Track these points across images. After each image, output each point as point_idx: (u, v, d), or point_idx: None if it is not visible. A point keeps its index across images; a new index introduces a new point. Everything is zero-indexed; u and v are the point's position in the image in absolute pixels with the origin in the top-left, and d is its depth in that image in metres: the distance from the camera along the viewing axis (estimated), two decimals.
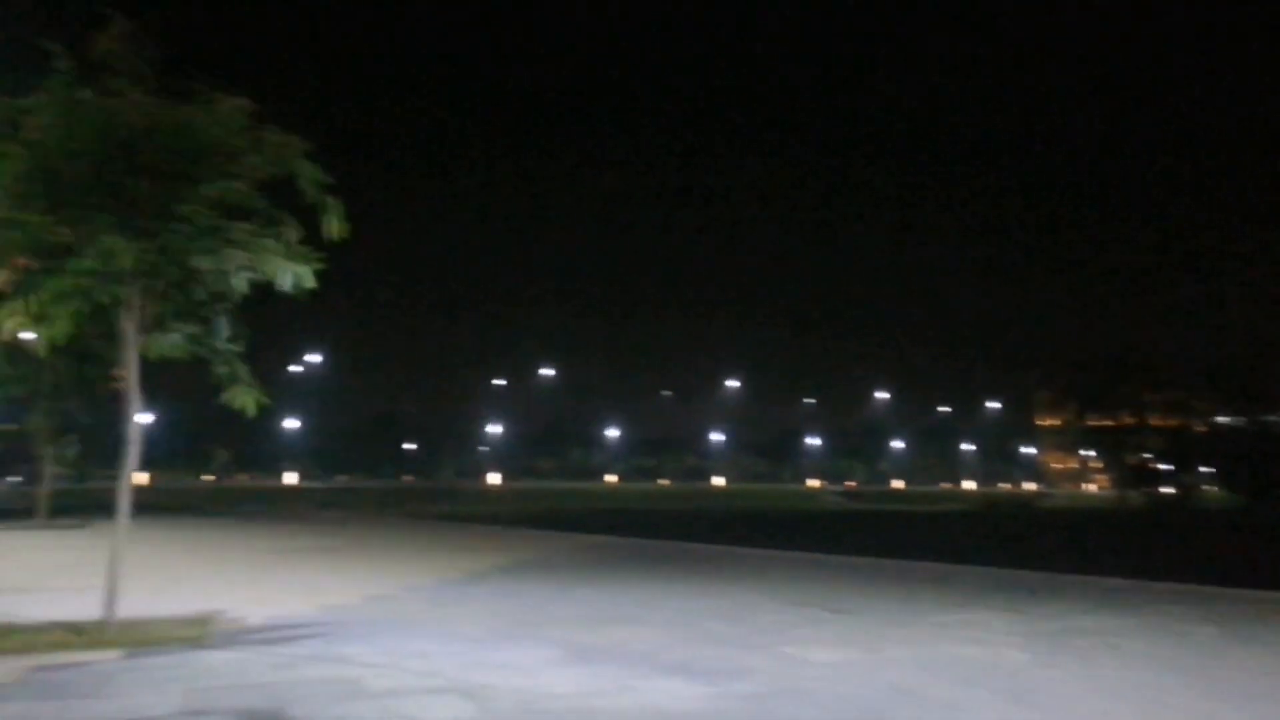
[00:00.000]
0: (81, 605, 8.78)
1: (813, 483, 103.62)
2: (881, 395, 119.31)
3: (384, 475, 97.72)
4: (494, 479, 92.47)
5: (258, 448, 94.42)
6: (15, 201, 6.82)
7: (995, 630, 8.32)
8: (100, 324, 7.63)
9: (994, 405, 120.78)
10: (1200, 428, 59.68)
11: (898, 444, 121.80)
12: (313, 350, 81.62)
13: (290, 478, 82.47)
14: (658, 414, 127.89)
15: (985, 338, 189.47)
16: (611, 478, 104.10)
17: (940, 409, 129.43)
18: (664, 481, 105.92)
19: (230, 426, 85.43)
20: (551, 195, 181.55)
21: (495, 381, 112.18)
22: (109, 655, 6.63)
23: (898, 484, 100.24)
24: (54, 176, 6.81)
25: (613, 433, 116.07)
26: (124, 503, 7.67)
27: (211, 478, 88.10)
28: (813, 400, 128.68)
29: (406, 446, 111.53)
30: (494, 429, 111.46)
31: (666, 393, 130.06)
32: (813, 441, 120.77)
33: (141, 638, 7.23)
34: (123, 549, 7.56)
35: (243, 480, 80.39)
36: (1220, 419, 59.38)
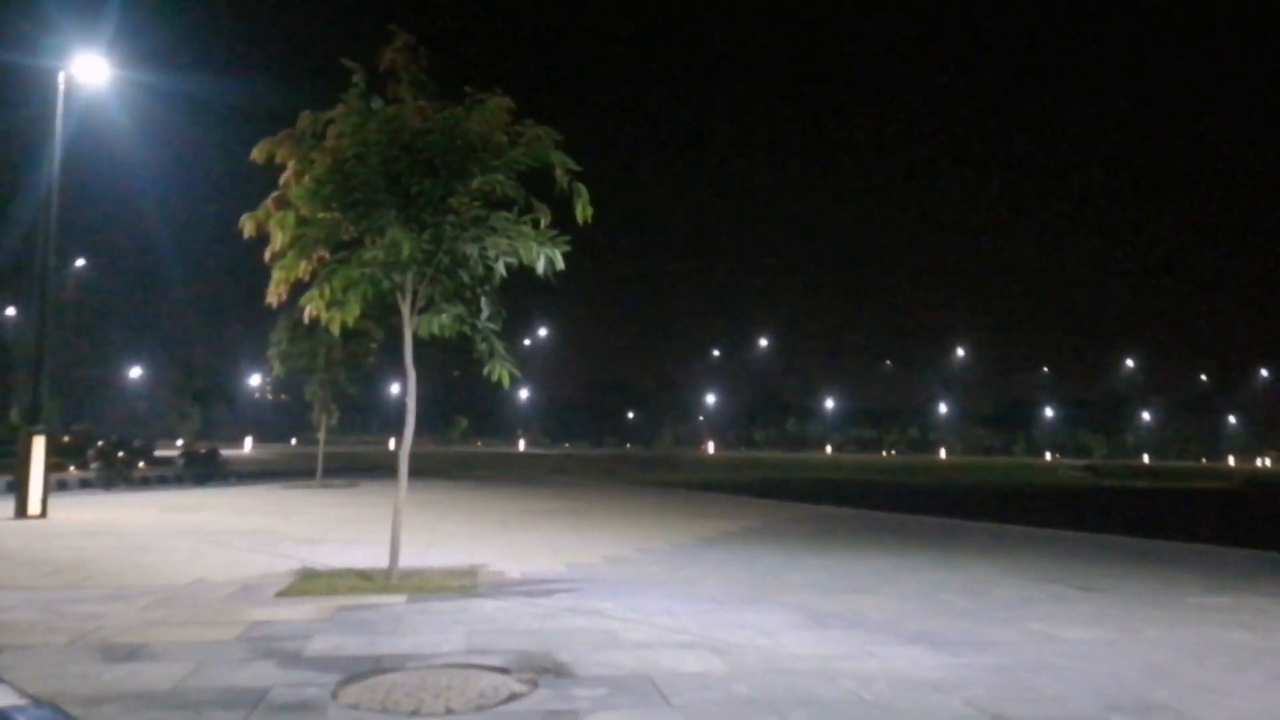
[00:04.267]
0: (364, 555, 10.00)
1: (1047, 456, 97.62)
2: (1128, 363, 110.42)
3: (606, 443, 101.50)
4: (710, 448, 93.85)
5: (492, 416, 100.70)
6: (315, 202, 7.82)
7: (1266, 615, 7.73)
8: (372, 307, 8.60)
9: (1266, 374, 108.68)
10: None
11: (1147, 416, 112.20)
12: (542, 323, 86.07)
13: (520, 445, 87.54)
14: (878, 384, 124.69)
15: (1255, 297, 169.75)
16: (828, 448, 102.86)
17: (1200, 377, 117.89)
18: (885, 453, 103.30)
19: (468, 396, 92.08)
20: (772, 165, 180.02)
21: (713, 352, 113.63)
22: (397, 599, 7.53)
23: (1145, 459, 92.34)
24: (346, 178, 7.75)
25: (830, 403, 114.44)
26: (404, 466, 8.63)
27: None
28: (1048, 369, 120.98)
29: (628, 415, 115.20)
30: (711, 399, 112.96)
31: (887, 362, 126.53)
32: (1048, 413, 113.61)
33: (421, 585, 8.14)
34: (403, 507, 8.50)
35: (478, 447, 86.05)
36: None
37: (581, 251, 8.32)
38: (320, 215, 8.02)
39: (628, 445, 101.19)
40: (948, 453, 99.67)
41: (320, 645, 5.89)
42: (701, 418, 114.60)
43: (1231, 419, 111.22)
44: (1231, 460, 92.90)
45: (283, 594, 7.76)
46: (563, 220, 8.24)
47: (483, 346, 8.57)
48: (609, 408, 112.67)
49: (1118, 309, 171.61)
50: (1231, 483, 48.79)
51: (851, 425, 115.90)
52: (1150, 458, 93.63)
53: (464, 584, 8.31)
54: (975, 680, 5.43)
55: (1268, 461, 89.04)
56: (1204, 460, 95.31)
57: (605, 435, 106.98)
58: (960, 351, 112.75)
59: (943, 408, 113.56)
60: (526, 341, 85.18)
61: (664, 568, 9.93)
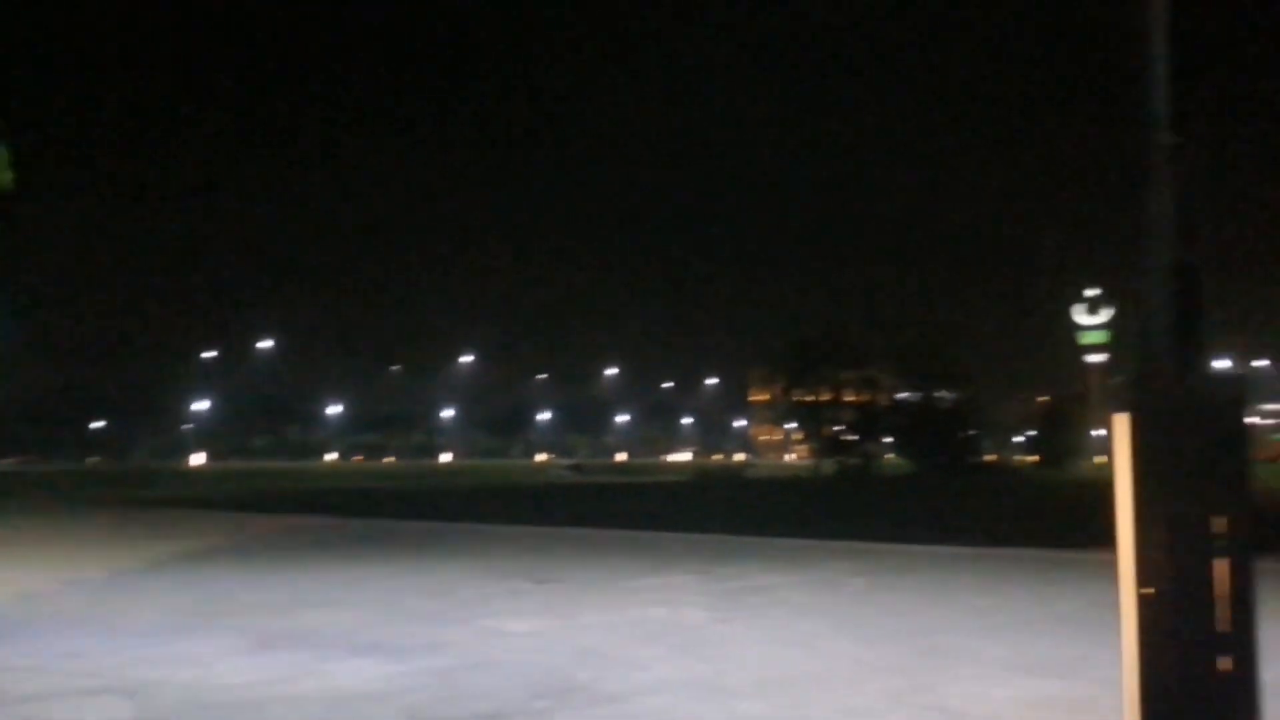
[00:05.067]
0: None
1: (541, 457, 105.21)
2: (610, 371, 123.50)
3: (64, 456, 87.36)
4: (199, 459, 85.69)
5: None
6: None
7: (682, 591, 8.92)
8: None
9: (713, 381, 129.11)
10: (885, 402, 66.94)
11: (623, 418, 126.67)
12: None
13: None
14: (386, 390, 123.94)
15: (709, 318, 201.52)
16: (331, 456, 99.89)
17: (665, 384, 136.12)
18: (389, 459, 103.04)
19: None
20: (271, 158, 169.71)
21: (205, 354, 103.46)
22: None
23: (621, 456, 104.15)
24: None
25: (335, 409, 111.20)
26: None
27: None
28: (545, 376, 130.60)
29: (94, 425, 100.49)
30: (201, 405, 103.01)
31: (395, 368, 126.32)
32: (543, 416, 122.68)
33: None
34: None
35: None
36: (900, 395, 66.88)
37: (25, 228, 6.86)
38: None
39: (93, 458, 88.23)
40: (452, 457, 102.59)
41: None
42: (189, 425, 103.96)
43: (688, 420, 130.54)
44: (688, 455, 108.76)
45: None
46: None
47: None
48: (69, 415, 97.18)
49: (602, 324, 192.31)
50: (685, 475, 57.02)
51: (358, 431, 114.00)
52: (627, 455, 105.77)
53: None
54: (416, 686, 5.40)
55: (687, 456, 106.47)
56: (665, 457, 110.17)
57: (63, 447, 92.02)
58: (468, 358, 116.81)
59: (449, 413, 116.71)
60: None
61: (92, 601, 8.60)
